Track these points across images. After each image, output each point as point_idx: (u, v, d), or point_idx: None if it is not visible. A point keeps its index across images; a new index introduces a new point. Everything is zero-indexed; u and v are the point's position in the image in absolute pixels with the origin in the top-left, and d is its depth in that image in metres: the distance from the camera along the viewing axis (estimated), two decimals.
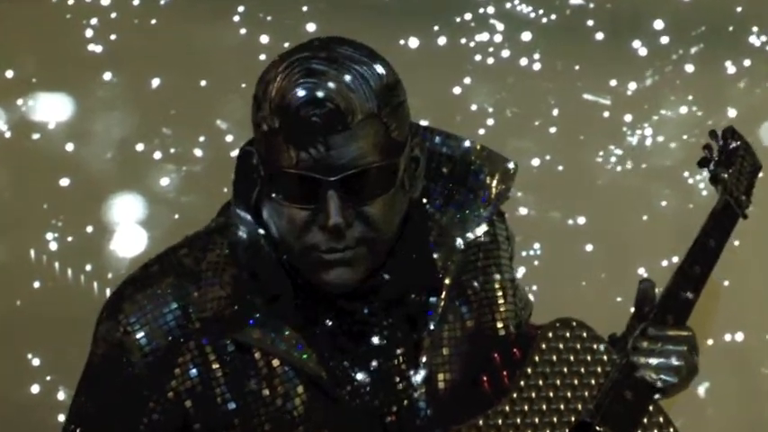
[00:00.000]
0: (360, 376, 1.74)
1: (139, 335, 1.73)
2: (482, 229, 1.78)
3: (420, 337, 1.74)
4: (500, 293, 1.83)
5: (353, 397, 1.73)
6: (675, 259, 1.86)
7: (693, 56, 2.96)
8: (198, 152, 2.97)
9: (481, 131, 2.98)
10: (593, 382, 1.74)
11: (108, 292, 1.82)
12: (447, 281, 1.76)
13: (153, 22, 2.97)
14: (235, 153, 3.16)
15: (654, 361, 1.74)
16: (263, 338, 1.71)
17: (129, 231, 2.93)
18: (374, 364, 1.74)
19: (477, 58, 2.95)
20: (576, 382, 1.75)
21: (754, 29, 2.97)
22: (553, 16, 2.97)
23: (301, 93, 1.63)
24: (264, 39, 2.96)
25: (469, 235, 1.78)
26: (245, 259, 1.73)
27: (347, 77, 1.64)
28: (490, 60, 2.98)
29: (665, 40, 2.97)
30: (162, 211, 2.94)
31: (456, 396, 1.76)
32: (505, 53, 2.98)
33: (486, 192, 1.78)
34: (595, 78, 3.01)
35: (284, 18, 2.93)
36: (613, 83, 3.01)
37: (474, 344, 1.78)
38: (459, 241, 1.77)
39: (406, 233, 1.75)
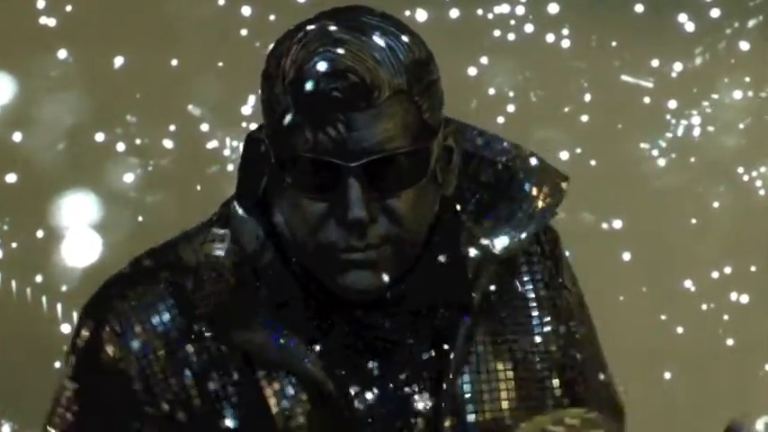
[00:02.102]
0: (373, 398, 1.72)
1: (131, 340, 1.70)
2: (521, 245, 1.75)
3: (445, 359, 1.72)
4: (535, 316, 1.78)
5: (364, 420, 1.71)
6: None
7: (750, 30, 3.00)
8: (167, 143, 2.98)
9: (500, 119, 2.99)
10: None
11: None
12: (477, 296, 1.72)
13: None
14: (211, 145, 3.27)
15: None
16: (267, 345, 1.69)
17: (83, 236, 2.93)
18: (391, 385, 1.71)
19: (497, 33, 2.99)
20: None
21: None
22: None
23: (320, 63, 1.58)
24: (246, 10, 2.98)
25: (506, 249, 1.74)
26: (249, 260, 1.69)
27: (374, 49, 1.60)
28: (511, 36, 3.03)
29: (716, 12, 2.99)
30: (123, 212, 2.93)
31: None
32: (529, 27, 3.03)
33: (531, 205, 1.74)
34: (635, 57, 3.06)
35: None
36: (656, 63, 3.06)
37: (506, 369, 1.75)
38: (494, 254, 1.74)
39: (434, 238, 1.70)
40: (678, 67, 3.00)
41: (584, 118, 3.03)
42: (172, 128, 2.97)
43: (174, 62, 2.96)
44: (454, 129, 1.69)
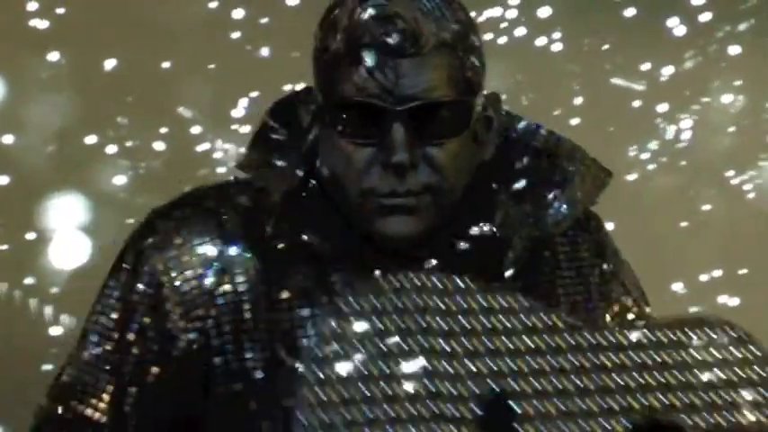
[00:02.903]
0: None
1: (173, 259, 1.76)
2: (560, 229, 1.81)
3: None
4: (597, 310, 1.83)
5: None
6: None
7: (741, 34, 2.99)
8: (158, 146, 2.99)
9: None
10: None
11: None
12: (510, 273, 1.80)
13: None
14: (201, 147, 3.28)
15: None
16: (310, 277, 1.76)
17: (72, 238, 2.91)
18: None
19: (488, 36, 2.96)
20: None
21: None
22: None
23: (372, 11, 1.69)
24: (238, 13, 2.99)
25: (545, 232, 1.81)
26: (296, 202, 1.77)
27: (422, 3, 1.70)
28: (502, 39, 3.05)
29: (706, 16, 2.99)
30: (113, 214, 2.92)
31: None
32: (521, 31, 3.06)
33: (572, 192, 1.81)
34: (626, 61, 3.09)
35: None
36: (647, 66, 3.08)
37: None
38: (534, 236, 1.81)
39: (468, 203, 1.78)
40: (669, 70, 3.02)
41: (575, 121, 3.06)
42: (162, 130, 2.97)
43: (166, 65, 2.97)
44: (494, 99, 1.76)
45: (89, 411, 1.82)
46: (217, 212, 1.79)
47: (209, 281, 1.79)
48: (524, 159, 1.81)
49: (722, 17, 2.96)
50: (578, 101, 3.07)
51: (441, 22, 1.70)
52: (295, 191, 1.79)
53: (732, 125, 2.97)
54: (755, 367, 1.77)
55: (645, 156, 3.04)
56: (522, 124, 1.83)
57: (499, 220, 1.79)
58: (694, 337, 1.77)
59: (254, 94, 3.03)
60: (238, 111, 3.04)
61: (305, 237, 1.78)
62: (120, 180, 2.96)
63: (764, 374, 1.77)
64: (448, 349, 1.80)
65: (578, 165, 1.82)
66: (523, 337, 1.76)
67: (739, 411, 1.78)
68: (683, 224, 2.97)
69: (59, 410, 1.85)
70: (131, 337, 1.80)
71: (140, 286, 1.79)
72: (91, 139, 2.96)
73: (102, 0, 2.97)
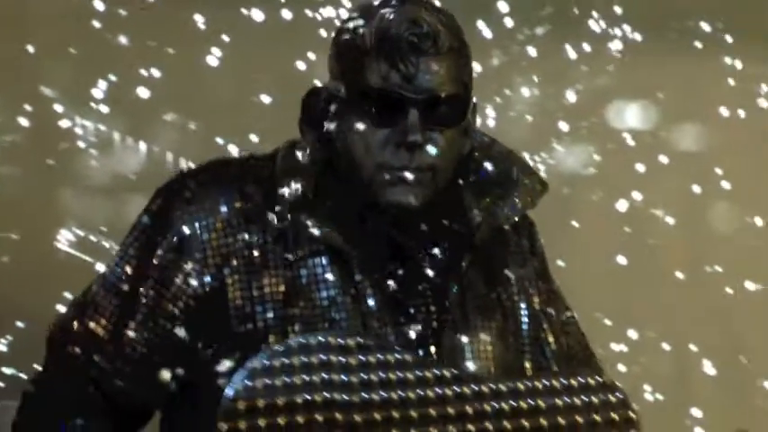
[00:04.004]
0: (383, 299, 1.90)
1: (198, 212, 1.88)
2: (509, 221, 1.97)
3: (446, 284, 1.92)
4: (531, 289, 2.00)
5: (372, 309, 1.90)
6: None
7: (539, 37, 3.13)
8: (23, 121, 2.95)
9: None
10: None
11: None
12: (477, 242, 1.93)
13: None
14: (64, 124, 3.24)
15: None
16: (326, 233, 1.87)
17: None
18: (399, 296, 1.90)
19: (323, 33, 2.99)
20: None
21: (595, 14, 3.15)
22: None
23: (401, 14, 1.88)
24: (99, 5, 2.98)
25: (499, 219, 1.96)
26: (314, 171, 1.90)
27: (440, 14, 1.90)
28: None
29: (510, 22, 3.09)
30: None
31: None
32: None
33: (521, 194, 1.98)
34: None
35: None
36: None
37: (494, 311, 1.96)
38: (491, 221, 1.95)
39: (448, 191, 1.92)
40: (477, 68, 3.09)
41: None
42: (27, 107, 2.94)
43: (31, 49, 2.93)
44: (474, 106, 1.97)
45: (94, 326, 1.90)
46: (241, 178, 1.91)
47: (228, 237, 1.89)
48: (485, 164, 1.99)
49: (523, 23, 3.07)
50: None
51: (452, 32, 1.89)
52: (310, 166, 1.90)
53: (530, 114, 3.09)
54: (619, 411, 1.88)
55: None
56: (485, 138, 2.02)
57: (466, 211, 1.95)
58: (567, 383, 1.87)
59: (113, 77, 3.00)
60: (98, 92, 2.99)
61: (314, 222, 1.86)
62: None
63: (620, 418, 1.87)
64: (346, 398, 1.82)
65: (525, 174, 1.99)
66: (414, 388, 1.83)
67: None
68: None
69: (73, 323, 1.93)
70: (151, 271, 1.89)
71: (165, 232, 1.89)
72: None
73: None
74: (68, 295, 2.82)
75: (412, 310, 1.90)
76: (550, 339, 2.00)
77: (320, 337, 1.82)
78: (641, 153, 3.15)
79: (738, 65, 3.40)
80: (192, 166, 1.95)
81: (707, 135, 3.37)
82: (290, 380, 1.80)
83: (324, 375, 1.81)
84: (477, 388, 1.84)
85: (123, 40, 3.02)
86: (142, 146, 3.00)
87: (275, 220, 1.88)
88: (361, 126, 1.85)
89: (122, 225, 2.88)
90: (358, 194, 1.88)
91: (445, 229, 1.92)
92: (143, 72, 2.99)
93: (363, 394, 1.81)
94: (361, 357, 1.83)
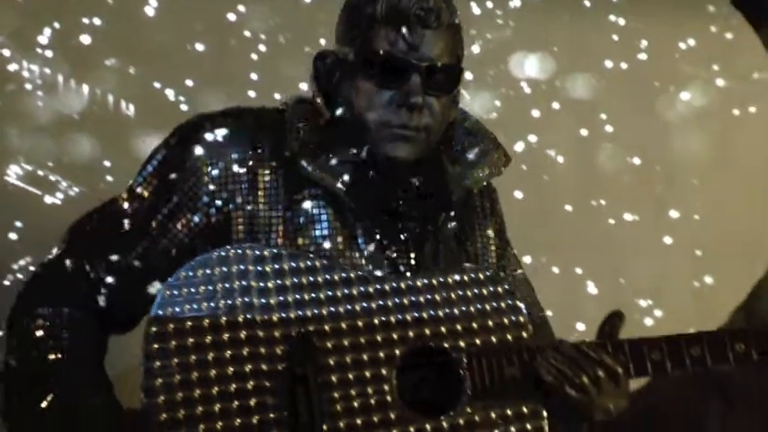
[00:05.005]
0: (374, 246, 1.97)
1: (215, 146, 1.92)
2: (478, 185, 2.08)
3: (428, 234, 2.01)
4: (490, 244, 2.10)
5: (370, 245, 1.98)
6: None
7: None
8: None
9: (254, 56, 3.07)
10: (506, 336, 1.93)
11: None
12: (455, 199, 2.03)
13: None
14: (12, 67, 3.17)
15: (565, 367, 1.90)
16: (327, 181, 1.93)
17: None
18: (385, 242, 1.97)
19: None
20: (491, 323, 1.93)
21: None
22: None
23: None
24: None
25: (470, 182, 2.06)
26: (319, 124, 1.96)
27: None
28: None
29: None
30: None
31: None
32: None
33: (488, 162, 2.07)
34: None
35: None
36: None
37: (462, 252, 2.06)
38: (464, 183, 2.05)
39: (430, 155, 2.00)
40: None
41: None
42: None
43: None
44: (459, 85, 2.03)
45: (106, 236, 1.95)
46: (252, 126, 1.97)
47: (236, 176, 1.94)
48: (459, 133, 2.09)
49: None
50: (323, 41, 2.84)
51: (451, 10, 2.00)
52: (315, 120, 1.98)
53: None
54: (506, 300, 1.95)
55: None
56: (463, 114, 2.10)
57: (444, 174, 2.05)
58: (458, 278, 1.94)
59: (57, 25, 2.96)
60: (43, 38, 2.96)
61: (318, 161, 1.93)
62: None
63: (506, 306, 1.93)
64: (264, 302, 1.88)
65: (493, 145, 2.09)
66: (324, 289, 1.90)
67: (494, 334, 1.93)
68: None
69: (88, 226, 2.00)
70: (163, 198, 1.95)
71: (180, 165, 1.95)
72: None
73: None
74: (19, 224, 2.88)
75: (394, 255, 1.98)
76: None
77: (238, 250, 1.88)
78: (537, 100, 3.18)
79: (621, 22, 3.46)
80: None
81: (594, 84, 3.42)
82: (211, 287, 1.86)
83: (242, 282, 1.87)
84: (380, 287, 1.90)
85: None
86: (85, 88, 2.96)
87: (281, 166, 1.95)
88: (366, 86, 1.94)
89: (68, 160, 2.92)
90: (358, 148, 1.95)
91: (427, 187, 2.01)
92: (85, 20, 2.97)
93: (279, 297, 1.87)
94: (275, 266, 1.88)
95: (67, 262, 1.96)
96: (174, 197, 1.95)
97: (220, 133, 1.96)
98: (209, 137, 1.97)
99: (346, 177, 1.96)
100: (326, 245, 1.94)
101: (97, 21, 2.98)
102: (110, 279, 1.93)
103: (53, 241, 2.80)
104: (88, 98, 2.97)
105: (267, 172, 1.95)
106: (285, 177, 1.95)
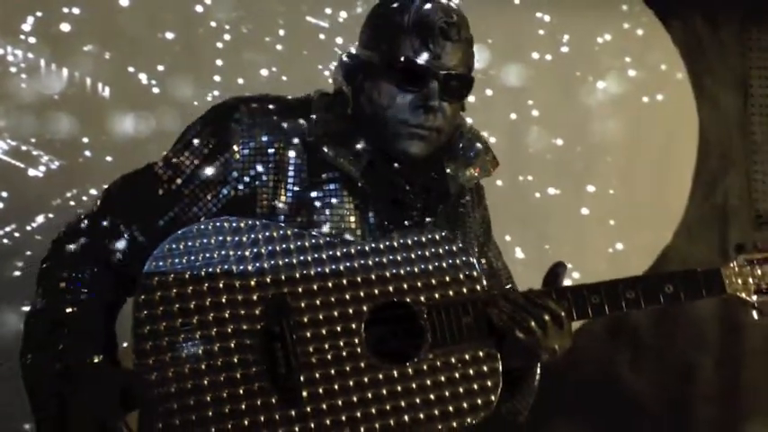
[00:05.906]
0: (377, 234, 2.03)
1: (248, 127, 1.95)
2: (471, 182, 2.15)
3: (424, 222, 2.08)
4: (476, 231, 2.18)
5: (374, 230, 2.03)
6: None
7: None
8: None
9: (219, 45, 3.13)
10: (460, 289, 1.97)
11: None
12: (452, 192, 2.09)
13: None
14: None
15: (514, 314, 1.95)
16: (344, 165, 1.98)
17: None
18: (391, 226, 2.03)
19: None
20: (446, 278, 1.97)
21: None
22: None
23: (436, 4, 2.03)
24: None
25: (463, 179, 2.13)
26: (339, 116, 2.01)
27: (458, 9, 2.06)
28: None
29: None
30: None
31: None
32: None
33: (480, 163, 2.15)
34: (312, 4, 3.22)
35: None
36: (329, 11, 3.25)
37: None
38: (458, 180, 2.11)
39: (434, 154, 2.07)
40: (344, 14, 3.15)
41: (279, 47, 3.14)
42: None
43: None
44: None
45: (140, 203, 1.96)
46: (281, 113, 2.01)
47: (264, 156, 1.98)
48: (459, 137, 2.15)
49: None
50: (282, 32, 3.14)
51: (466, 25, 2.07)
52: (337, 112, 2.01)
53: None
54: (461, 257, 1.98)
55: (328, 73, 3.11)
56: (460, 118, 2.13)
57: (443, 171, 2.11)
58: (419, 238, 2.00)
59: (39, 13, 2.99)
60: (26, 26, 3.00)
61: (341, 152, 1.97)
62: None
63: (460, 262, 1.97)
64: (242, 268, 1.89)
65: (485, 149, 2.15)
66: (296, 254, 1.92)
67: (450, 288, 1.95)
68: None
69: (124, 193, 2.00)
70: (196, 171, 1.97)
71: (214, 142, 1.98)
72: None
73: None
74: (4, 194, 2.89)
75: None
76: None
77: (216, 223, 1.91)
78: (474, 87, 3.35)
79: (547, 18, 3.57)
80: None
81: (523, 74, 3.53)
82: (193, 257, 1.89)
83: (221, 252, 1.91)
84: (346, 249, 1.95)
85: None
86: (64, 72, 2.99)
87: (304, 150, 2.01)
88: (388, 87, 1.99)
89: (49, 136, 2.92)
90: (374, 142, 2.02)
91: (429, 181, 2.08)
92: (65, 9, 3.01)
93: (256, 264, 1.91)
94: (251, 236, 1.91)
95: (102, 220, 1.98)
96: (207, 169, 1.99)
97: (253, 117, 2.01)
98: (243, 117, 2.00)
99: (362, 165, 2.02)
100: (341, 225, 1.99)
101: (76, 10, 3.01)
102: (141, 238, 1.96)
103: (36, 209, 2.92)
104: (67, 81, 3.00)
105: (293, 154, 2.00)
106: (308, 160, 2.00)
